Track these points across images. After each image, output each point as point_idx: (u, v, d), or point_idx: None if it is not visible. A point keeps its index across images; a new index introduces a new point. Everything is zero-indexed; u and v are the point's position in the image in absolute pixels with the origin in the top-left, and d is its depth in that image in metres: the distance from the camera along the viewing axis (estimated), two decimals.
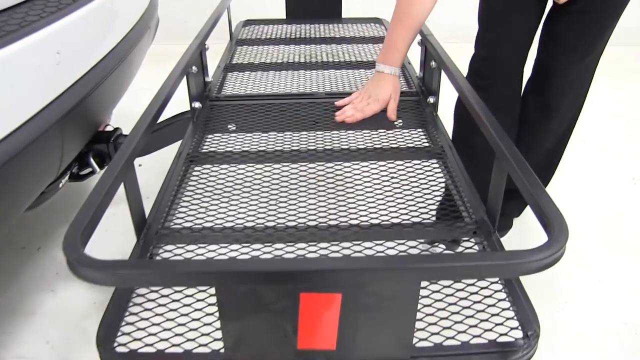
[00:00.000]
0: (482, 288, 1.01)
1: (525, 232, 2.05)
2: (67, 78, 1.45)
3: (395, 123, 1.67)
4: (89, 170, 1.83)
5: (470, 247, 1.15)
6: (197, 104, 1.66)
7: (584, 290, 1.85)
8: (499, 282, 1.04)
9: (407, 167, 1.41)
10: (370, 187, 1.34)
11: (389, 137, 1.59)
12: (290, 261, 0.78)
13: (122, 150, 1.12)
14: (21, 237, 2.12)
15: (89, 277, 0.77)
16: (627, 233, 2.14)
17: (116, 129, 1.87)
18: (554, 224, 0.84)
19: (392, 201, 1.28)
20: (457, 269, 0.78)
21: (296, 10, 2.51)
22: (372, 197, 1.31)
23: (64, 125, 1.43)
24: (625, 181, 2.48)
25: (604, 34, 1.67)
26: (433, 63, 1.62)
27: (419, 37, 1.77)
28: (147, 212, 1.24)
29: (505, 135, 1.09)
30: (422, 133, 1.61)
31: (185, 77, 1.58)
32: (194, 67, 1.60)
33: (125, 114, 2.38)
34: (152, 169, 2.11)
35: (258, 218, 1.24)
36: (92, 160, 1.80)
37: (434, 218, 1.24)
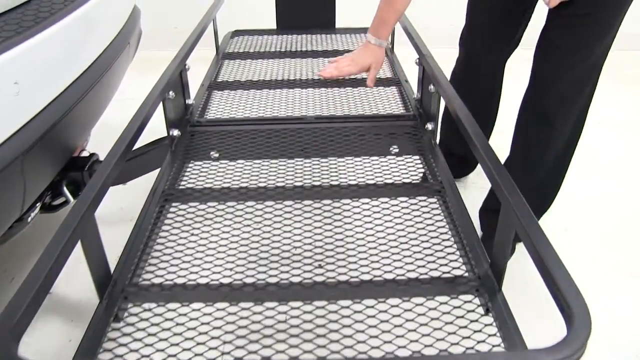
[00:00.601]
0: None
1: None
2: (28, 110, 1.32)
3: (391, 150, 1.54)
4: (62, 200, 1.70)
5: (473, 310, 1.02)
6: (175, 132, 1.53)
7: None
8: None
9: (402, 207, 1.28)
10: (362, 232, 1.22)
11: (383, 166, 1.47)
12: None
13: (81, 201, 0.99)
14: None
15: None
16: (636, 257, 2.01)
17: (92, 155, 1.74)
18: (574, 313, 0.71)
19: (386, 250, 1.16)
20: None
21: (288, 20, 2.37)
22: (364, 244, 1.18)
23: (26, 161, 1.30)
24: (633, 200, 2.34)
25: (601, 38, 1.58)
26: (432, 87, 1.48)
27: (416, 56, 1.64)
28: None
29: (515, 188, 0.96)
30: (419, 163, 1.48)
31: (162, 103, 1.45)
32: (171, 93, 1.47)
33: (111, 126, 2.25)
34: (138, 186, 1.97)
35: (236, 272, 1.11)
36: (65, 189, 1.67)
37: (431, 272, 1.10)
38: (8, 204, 1.30)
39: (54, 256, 0.85)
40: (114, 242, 1.96)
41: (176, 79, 1.57)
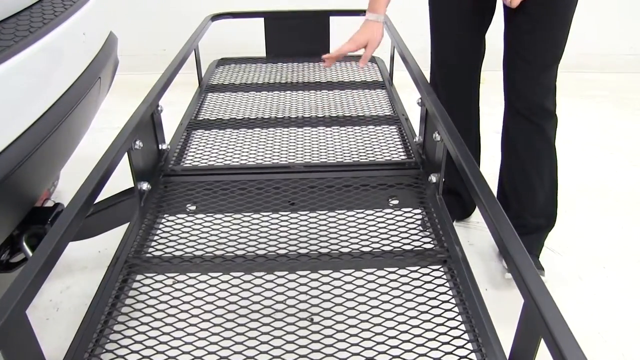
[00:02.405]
0: None
1: None
2: None
3: (390, 202, 1.36)
4: (21, 257, 1.52)
5: None
6: (144, 185, 1.34)
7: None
8: None
9: (403, 282, 1.10)
10: (355, 315, 1.03)
11: (379, 223, 1.29)
12: None
13: (7, 298, 0.81)
14: None
15: None
16: None
17: (56, 205, 1.56)
18: None
19: (383, 342, 0.97)
20: None
21: (277, 47, 2.19)
22: (357, 333, 0.99)
23: None
24: None
25: (560, 39, 1.64)
26: (436, 135, 1.30)
27: (418, 96, 1.46)
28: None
29: (544, 286, 0.77)
30: (420, 220, 1.30)
31: (127, 154, 1.27)
32: (138, 143, 1.28)
33: (91, 158, 2.08)
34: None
35: None
36: (25, 245, 1.49)
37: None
38: None
39: None
40: (84, 296, 1.77)
41: (147, 123, 1.39)
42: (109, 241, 1.99)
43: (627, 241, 2.12)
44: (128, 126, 1.27)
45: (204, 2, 3.53)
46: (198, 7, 3.53)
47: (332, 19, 2.15)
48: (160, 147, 1.50)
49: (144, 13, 3.63)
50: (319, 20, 2.13)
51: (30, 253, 1.50)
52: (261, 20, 2.17)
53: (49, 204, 1.60)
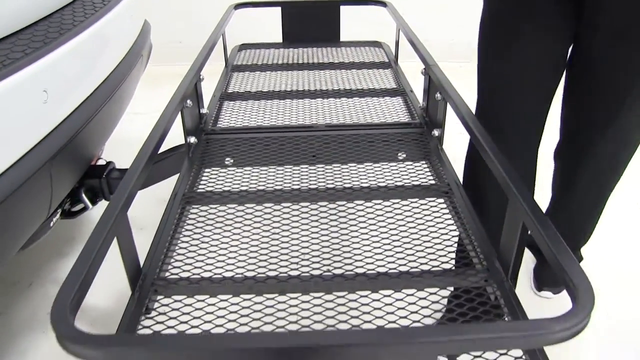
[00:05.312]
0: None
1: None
2: (55, 117, 1.39)
3: (399, 156, 1.61)
4: (81, 206, 1.76)
5: (483, 298, 1.08)
6: (192, 139, 1.59)
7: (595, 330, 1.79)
8: None
9: (412, 207, 1.36)
10: (376, 229, 1.28)
11: (392, 171, 1.54)
12: (297, 336, 0.72)
13: (114, 203, 1.05)
14: (12, 273, 2.05)
15: (80, 354, 0.71)
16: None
17: (109, 163, 1.80)
18: (579, 288, 0.78)
19: (399, 246, 1.22)
20: (475, 342, 0.72)
21: (293, 34, 2.45)
22: (378, 241, 1.24)
23: (53, 166, 1.37)
24: (629, 206, 2.41)
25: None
26: (438, 95, 1.56)
27: (422, 66, 1.71)
28: (144, 251, 1.18)
29: (518, 178, 1.03)
30: (426, 168, 1.55)
31: (180, 112, 1.52)
32: (188, 101, 1.54)
33: (119, 140, 2.32)
34: (144, 197, 2.02)
35: (259, 267, 1.18)
36: (84, 196, 1.74)
37: (442, 265, 1.17)
38: (37, 207, 1.36)
39: (95, 250, 0.92)
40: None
41: (192, 88, 1.64)
42: (140, 208, 2.23)
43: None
44: (180, 89, 1.52)
45: None
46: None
47: (343, 8, 2.42)
48: (201, 111, 1.75)
49: (158, 5, 3.86)
50: (330, 9, 2.40)
51: (89, 203, 1.75)
52: (263, 10, 2.45)
53: (101, 162, 1.85)
